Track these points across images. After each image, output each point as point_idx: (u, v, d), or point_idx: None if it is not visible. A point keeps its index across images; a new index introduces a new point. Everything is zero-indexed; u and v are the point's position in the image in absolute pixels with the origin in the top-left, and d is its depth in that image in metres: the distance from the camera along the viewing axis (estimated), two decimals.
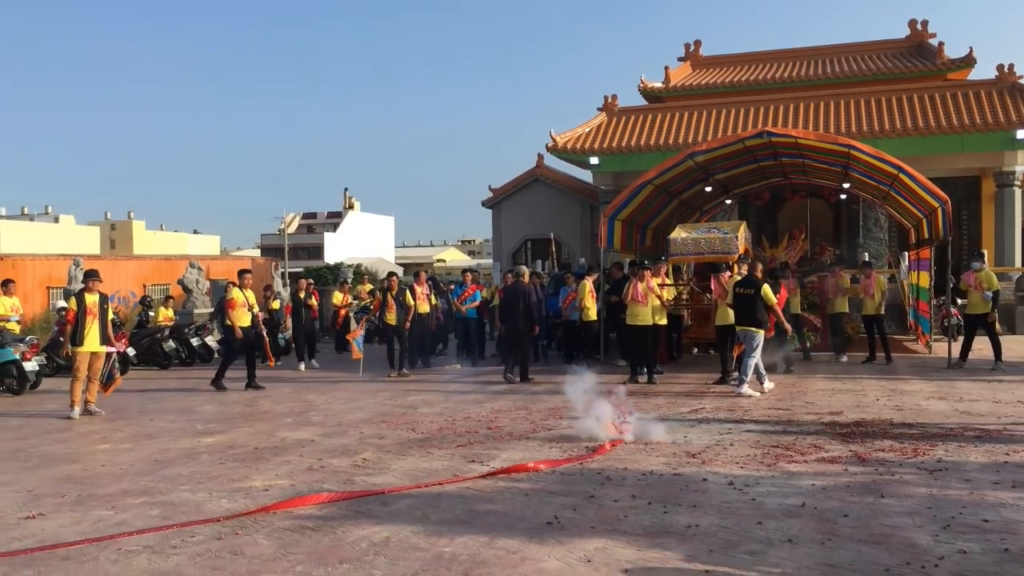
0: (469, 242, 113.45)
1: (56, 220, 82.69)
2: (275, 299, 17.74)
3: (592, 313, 14.70)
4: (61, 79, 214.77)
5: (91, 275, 11.33)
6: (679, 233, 14.73)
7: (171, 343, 16.71)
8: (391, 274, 16.17)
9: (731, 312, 12.23)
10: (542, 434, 8.68)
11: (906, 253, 20.51)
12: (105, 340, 11.10)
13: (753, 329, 11.41)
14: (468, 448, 8.03)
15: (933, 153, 22.16)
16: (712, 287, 12.48)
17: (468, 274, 16.87)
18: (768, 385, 11.58)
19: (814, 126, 22.89)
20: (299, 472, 7.15)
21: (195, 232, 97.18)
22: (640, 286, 12.96)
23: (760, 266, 12.07)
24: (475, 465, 7.25)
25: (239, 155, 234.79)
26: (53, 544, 5.22)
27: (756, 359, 11.43)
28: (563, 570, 4.64)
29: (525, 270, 15.40)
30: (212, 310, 19.10)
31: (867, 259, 19.36)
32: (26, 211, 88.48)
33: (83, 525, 5.67)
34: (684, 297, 15.06)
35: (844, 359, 15.13)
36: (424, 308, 15.57)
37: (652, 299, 12.86)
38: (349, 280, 22.15)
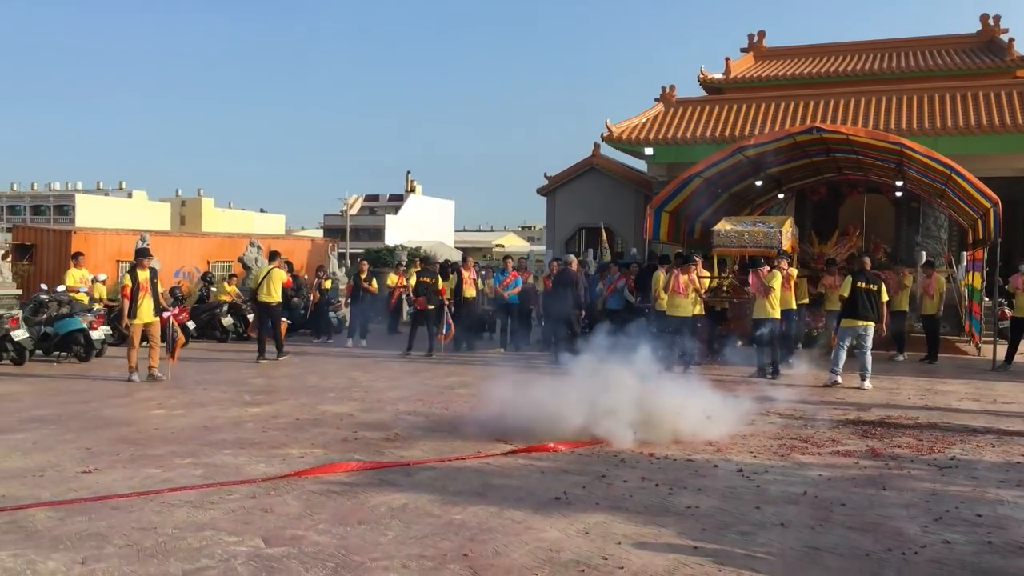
0: (529, 228, 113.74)
1: (129, 195, 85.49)
2: (327, 279, 18.34)
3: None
4: (140, 60, 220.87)
5: (142, 253, 12.12)
6: (724, 226, 14.86)
7: (229, 318, 17.43)
8: (361, 259, 16.91)
9: (769, 306, 12.39)
10: None
11: (963, 253, 20.24)
12: (158, 311, 11.85)
13: (870, 323, 11.81)
14: (496, 428, 8.37)
15: (996, 152, 21.75)
16: (750, 281, 12.61)
17: (508, 260, 17.22)
18: (838, 379, 11.79)
19: (876, 122, 22.61)
20: (334, 443, 7.61)
21: (261, 211, 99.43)
22: (682, 279, 13.17)
23: (868, 260, 12.57)
24: (501, 444, 7.60)
25: (306, 137, 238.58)
26: (105, 495, 5.75)
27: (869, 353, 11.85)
28: (561, 540, 4.99)
29: (573, 258, 15.71)
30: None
31: (930, 259, 19.21)
32: (101, 186, 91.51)
33: (133, 480, 6.20)
34: (725, 290, 15.19)
35: (902, 358, 15.12)
36: (471, 293, 15.99)
37: (692, 291, 13.07)
38: (404, 263, 22.71)
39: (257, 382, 11.66)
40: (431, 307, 14.83)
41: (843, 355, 11.93)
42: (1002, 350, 14.06)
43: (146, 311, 11.70)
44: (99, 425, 8.35)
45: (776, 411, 9.59)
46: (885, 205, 23.29)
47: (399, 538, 4.98)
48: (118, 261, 23.41)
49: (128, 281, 11.69)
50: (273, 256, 14.70)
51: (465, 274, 15.99)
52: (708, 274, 14.76)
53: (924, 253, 21.76)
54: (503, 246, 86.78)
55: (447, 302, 14.98)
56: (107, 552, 4.65)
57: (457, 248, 76.90)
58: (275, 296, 14.21)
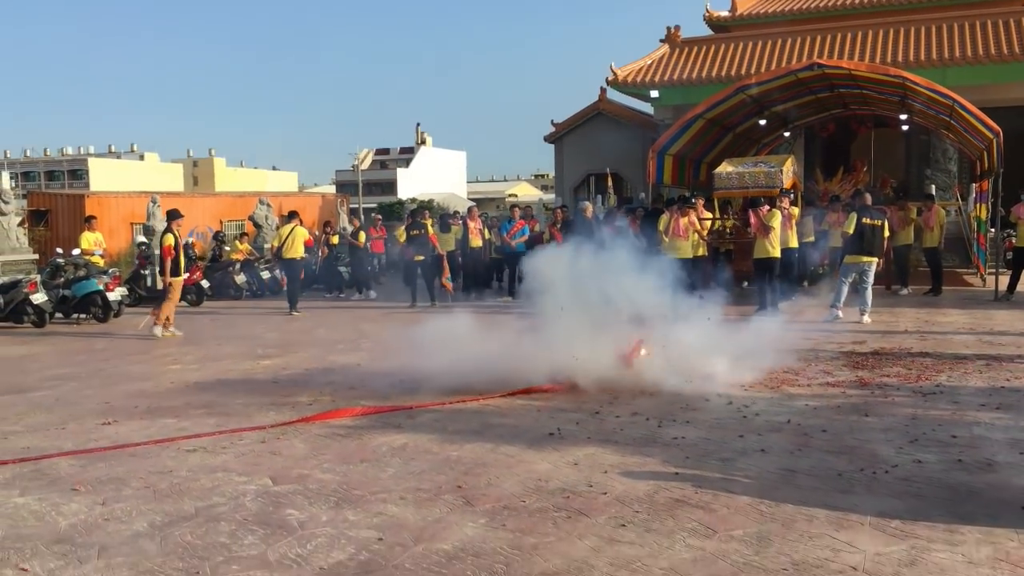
0: (542, 176, 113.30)
1: (141, 158, 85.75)
2: (335, 234, 18.62)
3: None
4: (148, 23, 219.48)
5: (175, 215, 12.61)
6: (725, 167, 14.94)
7: (242, 276, 17.77)
8: (327, 223, 17.67)
9: (769, 246, 12.54)
10: None
11: (973, 185, 20.19)
12: (186, 269, 12.83)
13: (872, 259, 11.96)
14: (498, 371, 8.63)
15: (1007, 81, 21.49)
16: (751, 221, 12.74)
17: (515, 209, 17.37)
18: (840, 315, 11.95)
19: (884, 55, 22.35)
20: (342, 390, 7.91)
21: (274, 169, 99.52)
22: (682, 221, 13.33)
23: (869, 196, 12.69)
24: (503, 387, 7.85)
25: (315, 93, 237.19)
26: (123, 444, 6.09)
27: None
28: (550, 471, 5.28)
29: (588, 205, 15.87)
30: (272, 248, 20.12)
31: (931, 192, 19.26)
32: (113, 149, 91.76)
33: (150, 430, 6.54)
34: (728, 231, 15.34)
35: (906, 292, 15.26)
36: (477, 242, 16.21)
37: (692, 233, 13.23)
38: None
39: (269, 336, 11.99)
40: (420, 258, 15.06)
41: (845, 290, 12.07)
42: (1005, 280, 14.16)
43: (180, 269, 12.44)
44: (118, 381, 8.70)
45: (774, 347, 9.80)
46: (894, 139, 23.18)
47: (398, 474, 5.29)
48: (131, 223, 23.77)
49: (171, 241, 12.21)
50: (292, 215, 15.21)
51: (471, 224, 16.19)
52: (709, 215, 14.88)
53: (933, 186, 21.77)
54: (516, 196, 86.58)
55: (441, 252, 15.19)
56: (125, 494, 4.98)
57: (470, 199, 76.93)
58: (298, 252, 14.84)
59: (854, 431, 6.04)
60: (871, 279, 12.02)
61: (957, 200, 20.68)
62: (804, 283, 15.57)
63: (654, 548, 4.02)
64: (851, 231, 12.03)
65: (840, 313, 11.90)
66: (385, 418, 6.78)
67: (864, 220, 11.95)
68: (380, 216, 19.09)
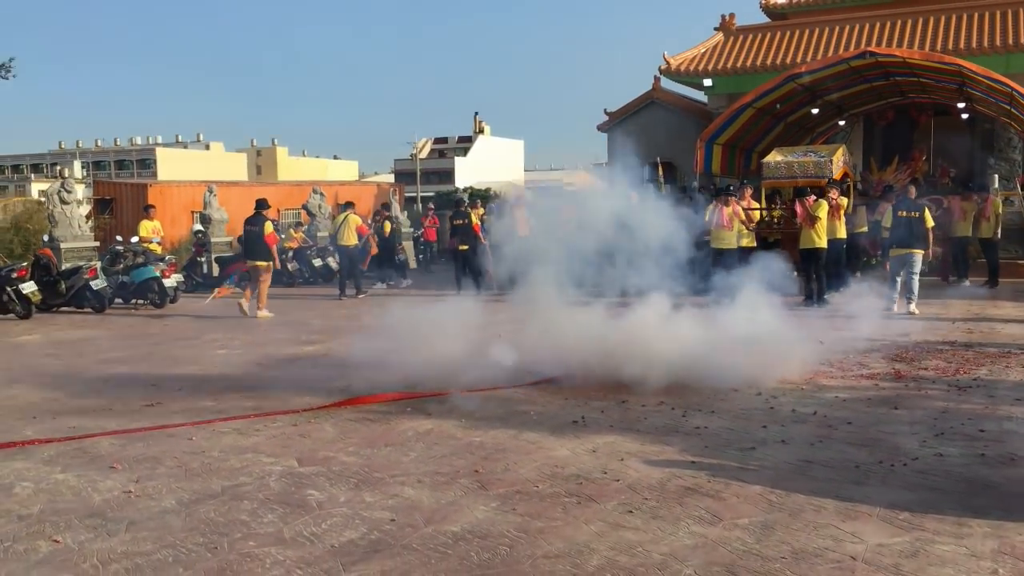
0: (600, 165, 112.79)
1: (207, 147, 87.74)
2: (386, 222, 18.89)
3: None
4: (211, 16, 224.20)
5: (264, 204, 13.49)
6: (774, 157, 14.76)
7: (295, 263, 18.14)
8: (376, 212, 18.10)
9: (815, 236, 12.40)
10: None
11: None
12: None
13: (916, 251, 11.76)
14: (534, 359, 8.71)
15: None
16: (797, 211, 12.59)
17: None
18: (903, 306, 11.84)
19: (946, 41, 21.60)
20: (379, 376, 8.07)
21: (335, 158, 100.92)
22: (726, 211, 13.23)
23: (913, 188, 12.85)
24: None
25: (377, 83, 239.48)
26: (162, 425, 6.35)
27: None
28: (569, 457, 5.36)
29: (634, 195, 15.83)
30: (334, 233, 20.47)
31: (993, 182, 18.77)
32: (180, 139, 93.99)
33: (189, 412, 6.79)
34: (776, 221, 15.14)
35: (966, 283, 14.93)
36: (525, 231, 16.29)
37: (737, 223, 13.13)
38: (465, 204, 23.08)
39: (316, 323, 12.27)
40: (464, 247, 15.20)
41: (897, 283, 11.91)
42: None
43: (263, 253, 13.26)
44: (166, 364, 9.03)
45: (817, 338, 9.70)
46: (956, 128, 22.51)
47: (419, 458, 5.43)
48: (192, 212, 24.40)
49: (271, 228, 13.21)
50: (348, 205, 15.87)
51: (518, 214, 16.27)
52: (757, 206, 14.71)
53: (996, 176, 21.14)
54: (573, 184, 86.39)
55: (485, 241, 15.31)
56: (159, 472, 5.22)
57: (528, 188, 77.02)
58: (352, 240, 15.66)
59: (880, 424, 5.99)
60: (916, 269, 11.87)
61: (1019, 190, 20.03)
62: (856, 273, 15.32)
63: (657, 534, 4.08)
64: (888, 224, 11.99)
65: (895, 307, 11.73)
66: (416, 403, 6.92)
67: (900, 212, 11.87)
68: (432, 206, 19.31)
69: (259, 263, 13.14)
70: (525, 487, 4.82)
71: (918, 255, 11.74)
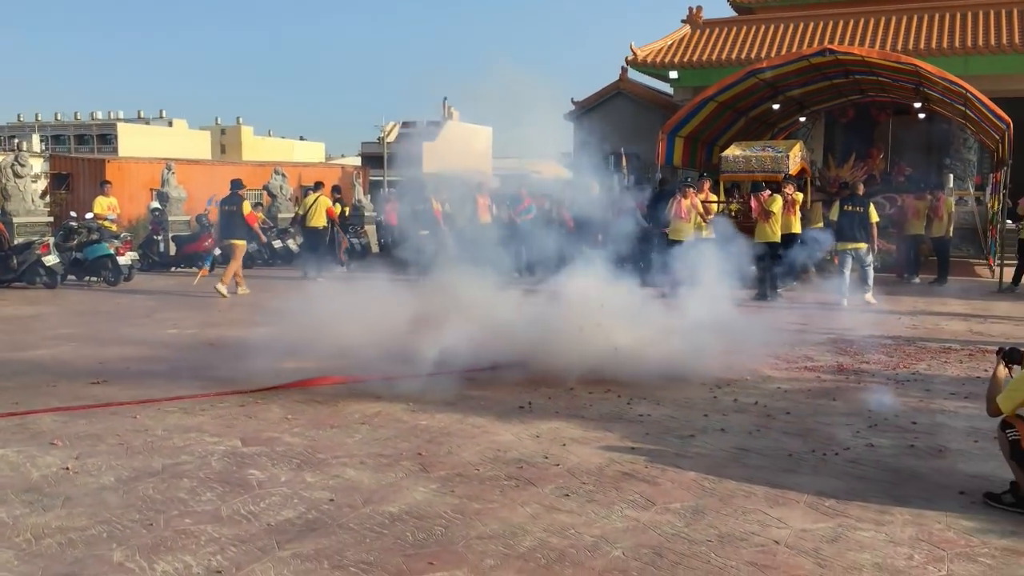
0: (568, 154, 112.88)
1: (170, 124, 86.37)
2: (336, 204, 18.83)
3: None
4: None
5: (239, 184, 13.69)
6: (732, 151, 14.94)
7: (254, 245, 17.98)
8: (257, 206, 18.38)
9: (769, 230, 12.61)
10: None
11: (991, 175, 20.00)
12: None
13: (861, 244, 12.27)
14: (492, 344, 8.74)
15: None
16: (752, 206, 12.77)
17: (524, 188, 17.49)
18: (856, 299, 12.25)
19: (907, 41, 21.99)
20: (329, 358, 8.07)
21: (301, 139, 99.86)
22: (684, 203, 13.36)
23: (862, 186, 13.26)
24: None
25: (345, 64, 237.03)
26: (106, 403, 6.31)
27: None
28: (512, 442, 5.44)
29: (594, 184, 15.94)
30: (294, 215, 20.33)
31: (948, 181, 19.18)
32: (142, 114, 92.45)
33: (136, 391, 6.75)
34: (733, 215, 15.31)
35: (917, 280, 15.25)
36: (486, 218, 16.36)
37: (694, 216, 13.27)
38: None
39: (273, 304, 12.18)
40: (425, 232, 15.22)
41: (846, 277, 12.23)
42: (1009, 273, 14.08)
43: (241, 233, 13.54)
44: (115, 343, 8.95)
45: (763, 331, 9.86)
46: (914, 127, 22.90)
47: (364, 440, 5.47)
48: (151, 189, 24.08)
49: (249, 207, 13.57)
50: (318, 186, 15.84)
51: (480, 200, 16.31)
52: (714, 198, 14.88)
53: (952, 175, 21.56)
54: (541, 172, 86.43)
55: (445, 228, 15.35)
56: (100, 449, 5.20)
57: (495, 175, 76.91)
58: (321, 221, 15.80)
59: (817, 414, 6.14)
60: (869, 261, 12.42)
61: (971, 190, 20.47)
62: (811, 269, 15.59)
63: (591, 517, 4.17)
64: (835, 218, 12.43)
65: (845, 301, 12.01)
66: (366, 386, 6.94)
67: (846, 207, 12.38)
68: (394, 190, 19.31)
69: (236, 242, 13.31)
70: (466, 470, 4.88)
71: (863, 248, 12.13)
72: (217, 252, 17.24)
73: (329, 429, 5.70)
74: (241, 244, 13.37)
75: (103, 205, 15.51)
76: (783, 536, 3.94)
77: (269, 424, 5.82)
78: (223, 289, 12.75)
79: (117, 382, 7.07)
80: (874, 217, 12.15)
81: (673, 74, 24.63)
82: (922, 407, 6.38)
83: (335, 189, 19.09)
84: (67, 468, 4.83)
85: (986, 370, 7.68)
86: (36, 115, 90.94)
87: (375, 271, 16.96)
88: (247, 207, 13.44)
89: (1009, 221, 15.97)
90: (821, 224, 15.55)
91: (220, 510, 4.23)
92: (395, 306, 9.07)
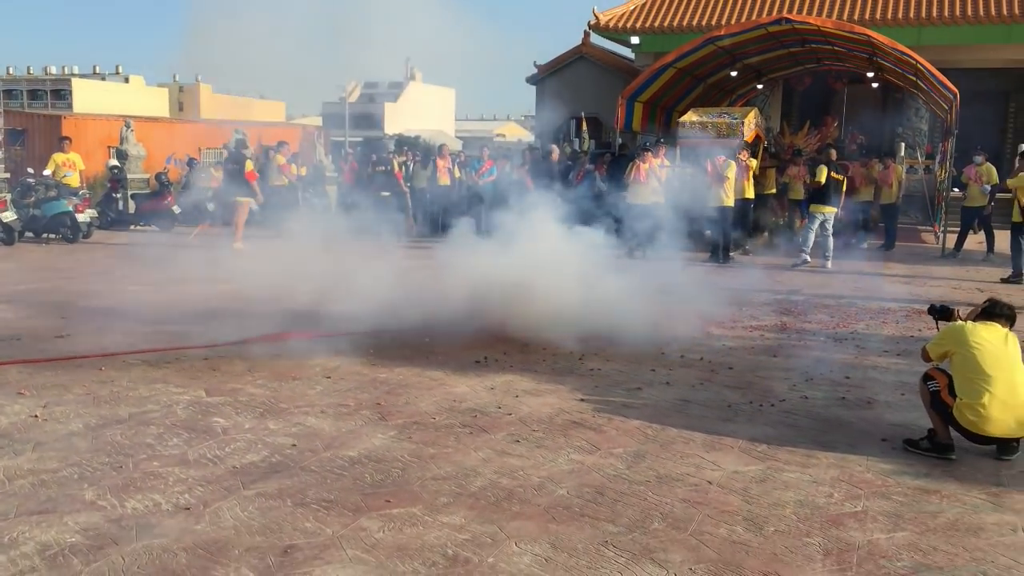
0: (531, 117, 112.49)
1: (126, 80, 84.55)
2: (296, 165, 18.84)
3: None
4: None
5: (243, 144, 14.58)
6: (689, 117, 15.19)
7: (213, 204, 17.94)
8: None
9: (723, 194, 12.95)
10: None
11: (940, 145, 20.53)
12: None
13: (834, 210, 13.10)
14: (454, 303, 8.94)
15: (985, 42, 21.63)
16: (707, 169, 13.07)
17: (485, 149, 17.63)
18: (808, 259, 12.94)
19: (864, 11, 22.30)
20: (294, 315, 8.23)
21: (261, 98, 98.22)
22: (643, 167, 13.62)
23: (834, 152, 14.04)
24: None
25: (304, 20, 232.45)
26: (71, 356, 6.45)
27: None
28: (467, 393, 5.70)
29: (555, 148, 16.17)
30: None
31: (899, 150, 19.69)
32: (97, 70, 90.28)
33: (100, 344, 6.89)
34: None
35: (864, 246, 15.73)
36: (445, 181, 16.49)
37: (654, 179, 13.55)
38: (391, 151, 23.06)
39: (237, 263, 12.26)
40: (387, 194, 15.37)
41: (811, 236, 12.93)
42: (952, 239, 14.59)
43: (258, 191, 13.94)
44: (76, 298, 9.02)
45: (712, 293, 10.20)
46: (868, 96, 23.39)
47: (325, 391, 5.70)
48: (108, 147, 23.81)
49: (251, 166, 13.92)
50: (281, 145, 15.71)
51: (440, 163, 16.43)
52: (668, 163, 15.15)
53: (903, 144, 22.10)
54: (504, 136, 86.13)
55: (406, 189, 15.52)
56: (66, 399, 5.36)
57: (458, 137, 76.55)
58: (282, 181, 15.50)
59: (757, 369, 6.48)
60: (831, 228, 12.93)
61: (920, 159, 21.02)
62: (764, 234, 16.00)
63: (538, 460, 4.45)
64: (822, 181, 12.77)
65: (808, 258, 12.75)
66: (328, 341, 7.11)
67: (832, 174, 12.89)
68: (351, 150, 19.34)
69: (239, 199, 13.71)
70: (423, 419, 5.13)
71: (834, 214, 13.01)
72: (178, 210, 17.24)
73: (292, 381, 5.91)
74: (244, 201, 13.75)
75: (57, 161, 15.33)
76: (716, 477, 4.25)
77: (232, 376, 6.01)
78: (239, 246, 13.13)
79: (80, 337, 7.18)
80: (845, 186, 12.80)
81: (635, 39, 24.73)
82: (856, 363, 6.75)
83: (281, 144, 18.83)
84: (35, 416, 4.99)
85: (920, 331, 8.09)
86: None
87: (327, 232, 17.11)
88: (248, 165, 13.84)
89: (955, 189, 16.52)
90: (774, 190, 15.98)
91: (187, 454, 4.44)
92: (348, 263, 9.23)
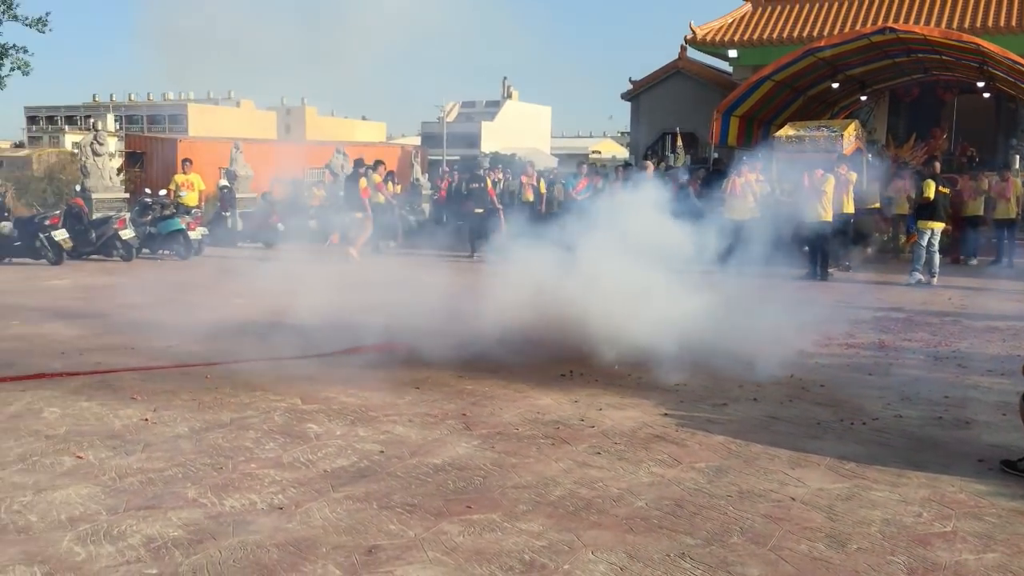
0: (627, 134, 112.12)
1: (237, 104, 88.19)
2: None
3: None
4: None
5: (361, 163, 15.81)
6: (787, 131, 14.95)
7: (315, 221, 18.57)
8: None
9: (822, 210, 12.67)
10: None
11: None
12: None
13: (943, 226, 12.92)
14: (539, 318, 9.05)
15: None
16: (804, 182, 12.83)
17: (583, 166, 17.69)
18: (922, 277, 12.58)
19: (975, 18, 21.49)
20: (387, 329, 8.44)
21: (363, 119, 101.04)
22: (738, 182, 13.47)
23: (938, 165, 13.82)
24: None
25: (405, 43, 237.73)
26: (181, 364, 6.81)
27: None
28: (551, 406, 5.77)
29: (650, 164, 16.16)
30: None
31: (1015, 163, 18.84)
32: (211, 95, 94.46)
33: (207, 353, 7.24)
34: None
35: (974, 262, 15.16)
36: (529, 197, 16.71)
37: (748, 195, 13.39)
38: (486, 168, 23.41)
39: (341, 277, 12.68)
40: (479, 211, 15.58)
41: (924, 253, 12.63)
42: None
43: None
44: (185, 310, 9.49)
45: (809, 310, 9.99)
46: (980, 106, 22.43)
47: (413, 401, 5.87)
48: (219, 168, 24.90)
49: (364, 184, 15.21)
50: (378, 164, 16.94)
51: (524, 179, 16.64)
52: (763, 179, 14.92)
53: (1018, 157, 21.10)
54: (599, 152, 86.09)
55: (499, 206, 15.68)
56: (174, 404, 5.68)
57: (553, 154, 76.93)
58: (379, 199, 16.44)
59: (849, 387, 6.33)
60: (937, 245, 12.64)
61: None
62: (867, 250, 15.58)
63: (618, 472, 4.49)
64: (931, 196, 12.48)
65: (920, 276, 12.47)
66: (420, 352, 7.29)
67: (940, 188, 12.71)
68: (447, 168, 19.77)
69: (360, 214, 15.03)
70: (506, 429, 5.23)
71: (940, 229, 12.73)
72: (282, 228, 17.90)
73: (381, 391, 6.10)
74: (359, 215, 14.85)
75: (178, 182, 16.23)
76: (799, 494, 4.20)
77: (326, 386, 6.23)
78: (353, 253, 14.22)
79: (188, 345, 7.58)
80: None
81: (732, 53, 24.43)
82: (956, 382, 6.52)
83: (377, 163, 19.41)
84: (146, 419, 5.31)
85: None
86: (111, 95, 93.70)
87: (425, 248, 17.50)
88: (363, 183, 15.09)
89: None
90: (878, 204, 15.52)
91: (281, 457, 4.66)
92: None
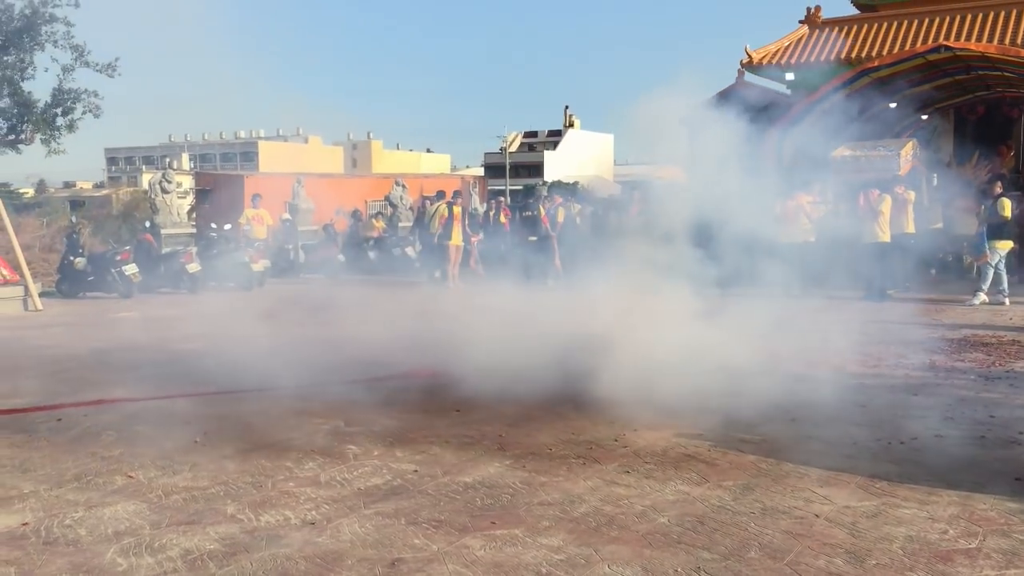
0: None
1: (306, 140, 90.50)
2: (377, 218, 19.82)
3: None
4: (315, 13, 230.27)
5: (442, 195, 16.81)
6: (842, 151, 14.78)
7: (374, 252, 19.01)
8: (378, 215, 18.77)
9: (879, 230, 12.50)
10: None
11: None
12: (464, 238, 16.30)
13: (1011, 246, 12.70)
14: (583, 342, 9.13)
15: None
16: (860, 203, 12.67)
17: (636, 193, 17.73)
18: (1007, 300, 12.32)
19: None
20: (431, 353, 8.65)
21: (428, 151, 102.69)
22: (790, 204, 13.37)
23: (1000, 184, 13.18)
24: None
25: (469, 76, 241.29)
26: (229, 391, 7.08)
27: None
28: (586, 426, 5.84)
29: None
30: (412, 223, 21.25)
31: None
32: (280, 132, 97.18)
33: (257, 381, 7.48)
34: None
35: None
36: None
37: (802, 217, 13.27)
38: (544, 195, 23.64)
39: (388, 306, 12.98)
40: (533, 239, 15.78)
41: (1002, 273, 12.42)
42: None
43: (456, 235, 16.02)
44: (242, 341, 9.80)
45: (863, 331, 9.87)
46: None
47: (452, 423, 6.00)
48: (285, 201, 25.63)
49: (444, 212, 16.06)
50: (440, 195, 17.11)
51: (576, 208, 16.78)
52: (813, 200, 14.76)
53: None
54: (663, 178, 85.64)
55: (553, 233, 15.83)
56: (223, 427, 5.93)
57: (617, 182, 76.91)
58: (434, 229, 16.73)
59: (892, 408, 6.25)
60: (1004, 264, 12.48)
61: None
62: (930, 270, 15.30)
63: (645, 490, 4.54)
64: (1008, 216, 12.30)
65: (985, 297, 12.28)
66: (458, 378, 7.43)
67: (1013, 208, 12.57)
68: (503, 198, 20.10)
69: (448, 243, 15.86)
70: (539, 450, 5.33)
71: (1009, 248, 12.54)
72: (342, 259, 18.37)
73: (421, 413, 6.26)
74: (454, 245, 15.56)
75: (247, 216, 16.85)
76: (824, 511, 4.20)
77: (369, 408, 6.42)
78: (453, 285, 15.12)
79: (241, 373, 7.83)
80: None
81: (789, 75, 24.27)
82: (1005, 401, 6.39)
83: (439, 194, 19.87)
84: (196, 441, 5.56)
85: None
86: (185, 135, 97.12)
87: (490, 276, 17.69)
88: (443, 209, 15.97)
89: None
90: (940, 224, 15.21)
91: (319, 476, 4.83)
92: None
